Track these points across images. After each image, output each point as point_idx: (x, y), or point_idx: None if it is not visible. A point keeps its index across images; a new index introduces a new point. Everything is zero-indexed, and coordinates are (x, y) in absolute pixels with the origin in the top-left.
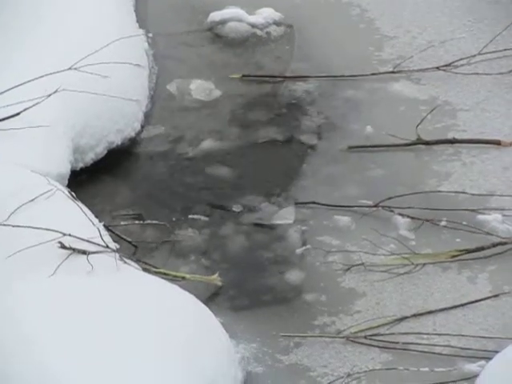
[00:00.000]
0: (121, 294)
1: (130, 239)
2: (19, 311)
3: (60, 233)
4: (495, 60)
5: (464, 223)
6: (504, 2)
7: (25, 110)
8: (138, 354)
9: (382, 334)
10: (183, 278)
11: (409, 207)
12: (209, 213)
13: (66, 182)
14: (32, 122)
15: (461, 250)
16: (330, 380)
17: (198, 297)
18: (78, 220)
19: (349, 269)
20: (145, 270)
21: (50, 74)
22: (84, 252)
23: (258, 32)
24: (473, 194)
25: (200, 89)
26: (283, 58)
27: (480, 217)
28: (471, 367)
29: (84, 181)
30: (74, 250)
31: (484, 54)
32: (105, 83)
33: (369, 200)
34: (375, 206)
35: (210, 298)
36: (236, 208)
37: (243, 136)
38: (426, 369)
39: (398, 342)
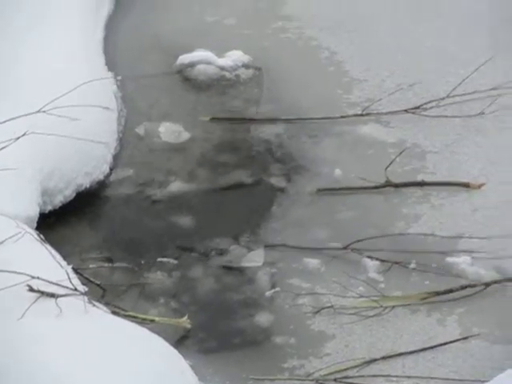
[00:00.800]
0: (90, 337)
1: (98, 282)
2: None
3: (28, 276)
4: (464, 102)
5: (433, 265)
6: (473, 44)
7: None
8: None
9: (351, 377)
10: (152, 320)
11: (378, 250)
12: (178, 255)
13: (35, 224)
14: (0, 164)
15: (430, 293)
16: None
17: (167, 339)
18: (47, 263)
19: (318, 311)
20: (114, 312)
21: (19, 116)
22: (53, 295)
23: (227, 75)
24: (442, 237)
25: (169, 131)
26: (252, 101)
27: (449, 259)
28: None
29: (53, 223)
30: (42, 293)
31: (453, 96)
32: (73, 126)
33: (338, 242)
34: (344, 249)
35: (179, 340)
36: (205, 251)
37: (212, 178)
38: None
39: None
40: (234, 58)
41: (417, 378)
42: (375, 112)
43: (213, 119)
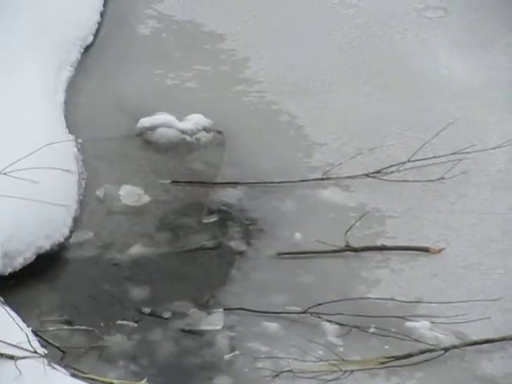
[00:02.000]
0: None
1: (58, 344)
2: None
3: None
4: (424, 167)
5: (392, 330)
6: (434, 110)
7: None
8: None
9: None
10: (111, 383)
11: (337, 313)
12: (138, 318)
13: None
14: None
15: (389, 357)
16: None
17: None
18: (6, 325)
19: (277, 375)
20: (73, 375)
21: None
22: (12, 357)
23: (188, 138)
24: (401, 301)
25: (129, 194)
26: (212, 164)
27: (408, 324)
28: None
29: (12, 286)
30: (1, 354)
31: (413, 161)
32: (34, 188)
33: (297, 306)
34: (303, 313)
35: None
36: (165, 314)
37: (172, 242)
38: None
39: None
40: (195, 121)
41: None
42: (335, 176)
43: (173, 182)
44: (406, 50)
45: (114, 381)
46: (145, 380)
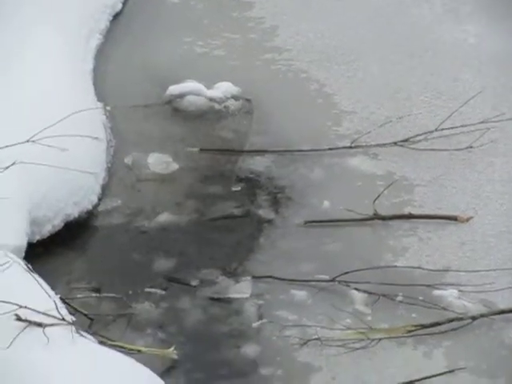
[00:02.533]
0: (77, 367)
1: (86, 312)
2: None
3: (16, 305)
4: (452, 136)
5: (420, 298)
6: (462, 79)
7: None
8: None
9: None
10: (139, 351)
11: (365, 282)
12: (165, 286)
13: (23, 254)
14: None
15: (416, 325)
16: None
17: (153, 370)
18: (35, 292)
19: (305, 343)
20: (101, 342)
21: (7, 146)
22: (40, 324)
23: (216, 106)
24: (429, 270)
25: (157, 162)
26: (241, 132)
27: (436, 292)
28: None
29: (41, 253)
30: (30, 322)
31: (441, 129)
32: (62, 156)
33: (325, 275)
34: (332, 281)
35: (166, 371)
36: (193, 282)
37: (200, 210)
38: None
39: None
40: (223, 89)
41: None
42: (364, 144)
43: (202, 150)
44: (434, 18)
45: (141, 348)
46: (173, 348)
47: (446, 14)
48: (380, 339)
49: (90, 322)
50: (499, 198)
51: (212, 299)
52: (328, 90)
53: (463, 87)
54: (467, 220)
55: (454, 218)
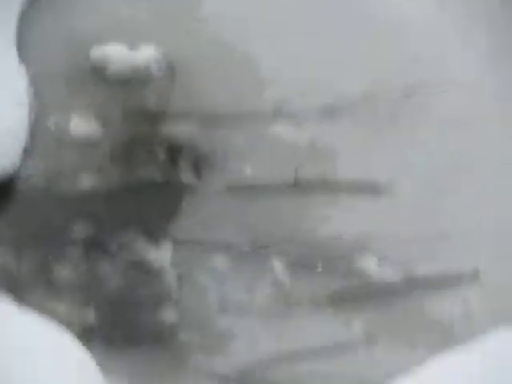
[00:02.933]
0: None
1: (4, 275)
2: None
3: None
4: (376, 104)
5: (341, 268)
6: (389, 47)
7: None
8: None
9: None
10: (57, 313)
11: (286, 252)
12: (85, 250)
13: None
14: None
15: (335, 293)
16: None
17: (70, 333)
18: None
19: (224, 310)
20: (20, 305)
21: None
22: None
23: (140, 69)
24: (350, 239)
25: (80, 126)
26: (164, 97)
27: (356, 261)
28: None
29: None
30: None
31: (365, 96)
32: None
33: (247, 242)
34: (253, 249)
35: (83, 333)
36: (113, 246)
37: (122, 174)
38: None
39: None
40: (147, 53)
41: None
42: (288, 111)
43: (124, 114)
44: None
45: (60, 310)
46: (92, 310)
47: None
48: (299, 306)
49: (9, 285)
50: (421, 165)
51: (132, 263)
52: (251, 56)
53: (388, 53)
54: (389, 189)
55: (375, 188)
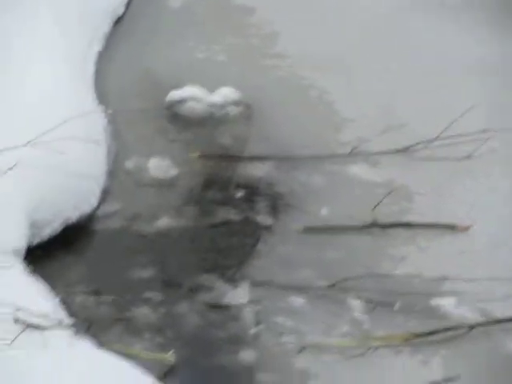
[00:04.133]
0: (74, 370)
1: (84, 315)
2: None
3: (15, 307)
4: (452, 145)
5: (418, 307)
6: (463, 88)
7: None
8: None
9: None
10: (137, 355)
11: (364, 290)
12: (163, 291)
13: (23, 256)
14: None
15: (414, 334)
16: None
17: (151, 374)
18: (34, 294)
19: (302, 350)
20: (99, 346)
21: (7, 149)
22: (38, 327)
23: (217, 111)
24: (427, 278)
25: (157, 167)
26: (241, 138)
27: (434, 301)
28: None
29: (40, 256)
30: (28, 324)
31: (442, 138)
32: (62, 159)
33: (323, 281)
34: (330, 288)
35: (163, 375)
36: (191, 286)
37: (199, 215)
38: None
39: None
40: (224, 94)
41: None
42: (364, 152)
43: (201, 156)
44: (434, 28)
45: (139, 352)
46: (171, 352)
47: (447, 24)
48: (377, 347)
49: (88, 325)
50: (498, 207)
51: (210, 305)
52: (329, 97)
53: (464, 96)
54: (466, 229)
55: (452, 227)
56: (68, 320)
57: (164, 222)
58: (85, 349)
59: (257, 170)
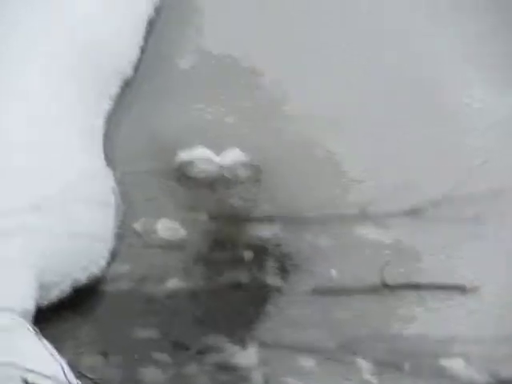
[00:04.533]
0: None
1: (93, 376)
2: None
3: (24, 369)
4: (460, 205)
5: (427, 368)
6: (468, 144)
7: None
8: None
9: None
10: None
11: (373, 351)
12: (172, 352)
13: (31, 318)
14: None
15: None
16: None
17: None
18: (42, 356)
19: None
20: None
21: (16, 210)
22: None
23: (226, 173)
24: (436, 339)
25: (166, 228)
26: (250, 200)
27: (443, 362)
28: None
29: (49, 317)
30: None
31: (449, 198)
32: (70, 221)
33: (332, 343)
34: (339, 349)
35: None
36: (200, 348)
37: (209, 277)
38: None
39: None
40: (232, 156)
41: None
42: (372, 213)
43: (210, 217)
44: (439, 80)
45: None
46: None
47: (452, 76)
48: None
49: None
50: (506, 268)
51: (219, 366)
52: (336, 158)
53: (469, 153)
54: (475, 290)
55: (461, 288)
56: (76, 381)
57: (173, 283)
58: None
59: (265, 232)
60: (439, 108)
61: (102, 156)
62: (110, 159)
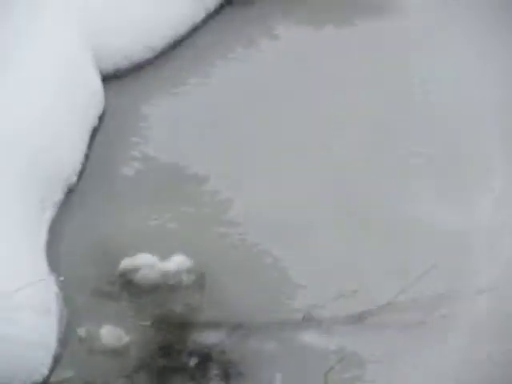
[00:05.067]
0: None
1: None
2: None
3: None
4: (404, 311)
5: None
6: (414, 253)
7: None
8: None
9: None
10: None
11: None
12: None
13: None
14: None
15: None
16: None
17: None
18: None
19: None
20: None
21: None
22: None
23: (170, 278)
24: None
25: (110, 334)
26: (194, 306)
27: None
28: None
29: None
30: None
31: (393, 304)
32: (11, 328)
33: None
34: None
35: None
36: None
37: (152, 383)
38: None
39: None
40: (177, 262)
41: None
42: (316, 319)
43: (154, 323)
44: (389, 193)
45: None
46: None
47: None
48: None
49: None
50: (451, 375)
51: None
52: (280, 264)
53: (416, 262)
54: None
55: None
56: None
57: None
58: None
59: (210, 338)
60: (387, 216)
61: (46, 262)
62: (53, 265)
